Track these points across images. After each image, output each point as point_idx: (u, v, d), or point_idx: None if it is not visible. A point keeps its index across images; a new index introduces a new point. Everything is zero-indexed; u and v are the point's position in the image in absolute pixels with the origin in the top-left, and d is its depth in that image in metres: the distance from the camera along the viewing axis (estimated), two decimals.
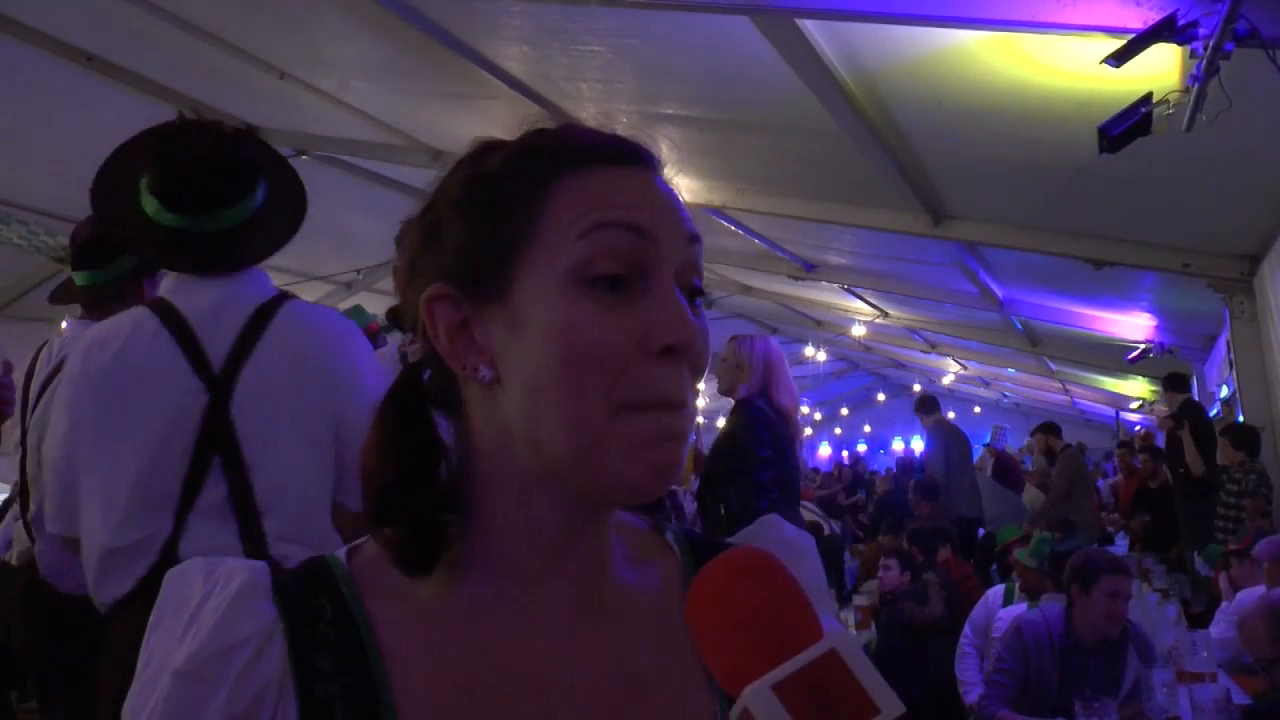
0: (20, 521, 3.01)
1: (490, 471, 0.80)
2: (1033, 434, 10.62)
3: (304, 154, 6.76)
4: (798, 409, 4.57)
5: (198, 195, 2.18)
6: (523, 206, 0.76)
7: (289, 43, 5.48)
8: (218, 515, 2.11)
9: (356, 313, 4.01)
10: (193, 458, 2.11)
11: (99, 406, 2.13)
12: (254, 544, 2.11)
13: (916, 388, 21.30)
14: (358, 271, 9.20)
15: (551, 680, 0.78)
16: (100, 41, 5.54)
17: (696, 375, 0.77)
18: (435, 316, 0.78)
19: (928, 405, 9.59)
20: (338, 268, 8.92)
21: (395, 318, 0.86)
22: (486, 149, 0.82)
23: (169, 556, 2.07)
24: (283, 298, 2.29)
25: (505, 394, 0.76)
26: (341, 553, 0.84)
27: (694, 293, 0.79)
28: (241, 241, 2.25)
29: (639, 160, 0.80)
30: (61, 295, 3.19)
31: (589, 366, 0.72)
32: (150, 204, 2.21)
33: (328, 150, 6.95)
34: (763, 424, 4.28)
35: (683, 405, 0.75)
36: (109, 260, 2.91)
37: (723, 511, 4.27)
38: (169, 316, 2.17)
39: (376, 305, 9.63)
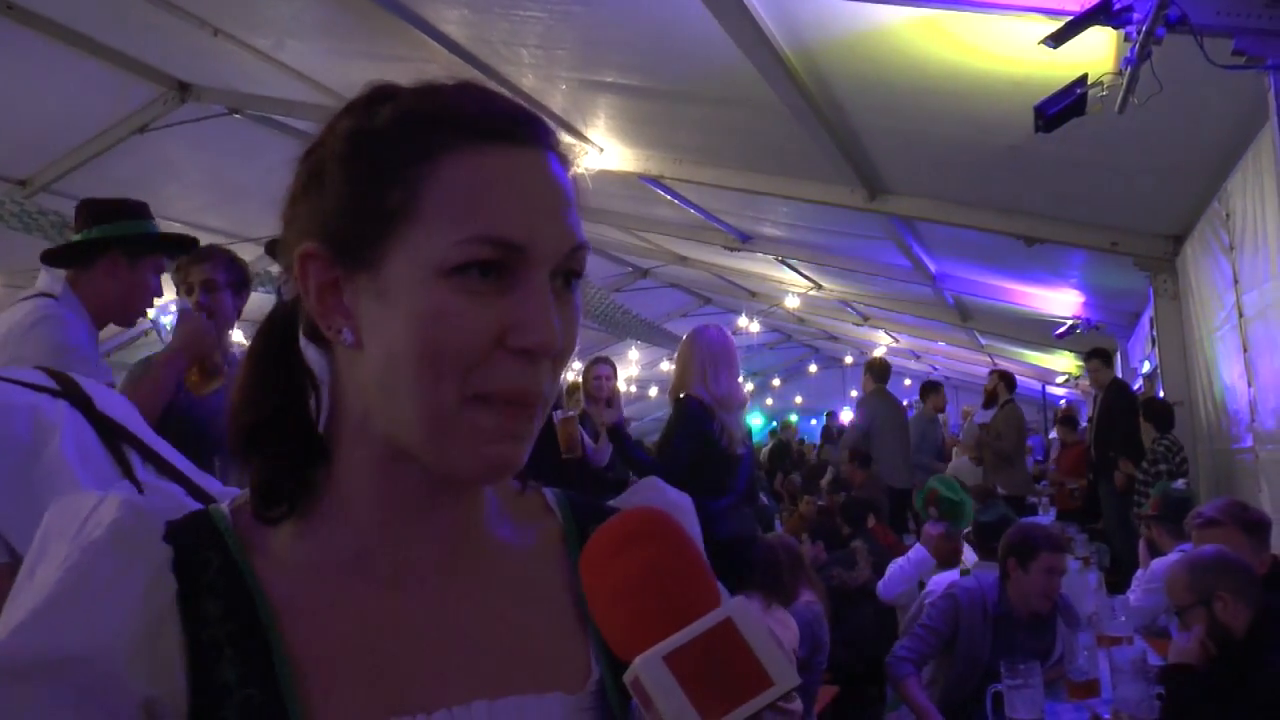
0: None
1: (355, 429, 0.79)
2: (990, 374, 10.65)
3: (237, 113, 6.59)
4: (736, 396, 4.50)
5: None
6: (404, 178, 0.74)
7: None
8: None
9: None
10: None
11: None
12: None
13: (849, 360, 21.58)
14: None
15: (424, 629, 0.79)
16: None
17: (559, 366, 0.77)
18: (307, 274, 0.77)
19: (877, 371, 9.58)
20: (270, 230, 8.55)
21: (273, 251, 0.87)
22: (379, 97, 0.79)
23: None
24: None
25: (366, 361, 0.76)
26: (226, 506, 0.83)
27: (571, 275, 0.78)
28: None
29: (534, 141, 0.77)
30: None
31: (447, 358, 0.72)
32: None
33: (261, 110, 6.76)
34: (692, 419, 4.35)
35: (534, 402, 0.75)
36: None
37: None
38: None
39: None
